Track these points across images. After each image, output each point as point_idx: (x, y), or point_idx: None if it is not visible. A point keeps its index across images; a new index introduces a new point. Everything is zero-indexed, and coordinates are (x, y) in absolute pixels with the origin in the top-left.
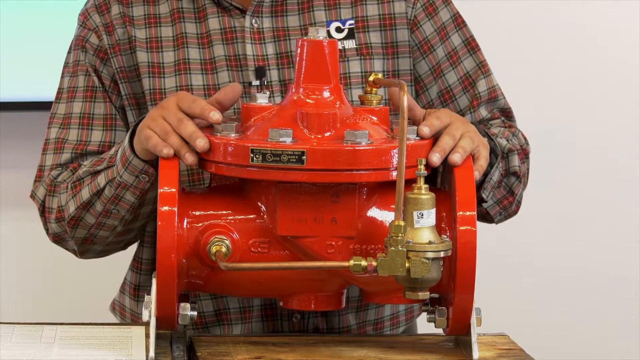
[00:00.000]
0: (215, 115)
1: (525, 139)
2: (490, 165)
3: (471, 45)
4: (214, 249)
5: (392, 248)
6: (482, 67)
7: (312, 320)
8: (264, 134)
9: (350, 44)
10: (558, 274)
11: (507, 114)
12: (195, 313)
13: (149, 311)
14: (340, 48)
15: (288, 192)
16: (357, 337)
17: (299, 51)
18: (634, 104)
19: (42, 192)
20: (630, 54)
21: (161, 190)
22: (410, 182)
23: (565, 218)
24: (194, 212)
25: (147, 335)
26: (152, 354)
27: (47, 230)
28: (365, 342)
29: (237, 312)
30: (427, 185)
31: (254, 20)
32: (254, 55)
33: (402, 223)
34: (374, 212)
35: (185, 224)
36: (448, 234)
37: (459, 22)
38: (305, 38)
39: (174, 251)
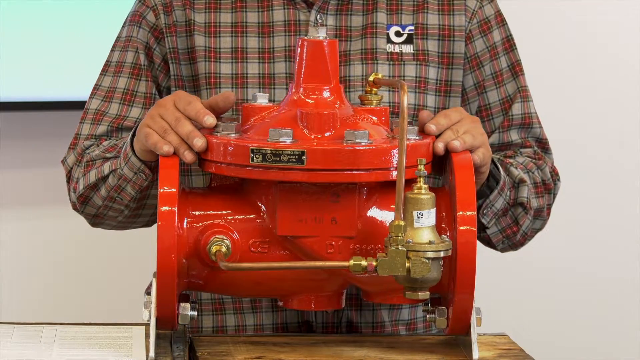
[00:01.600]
0: (209, 120)
1: (555, 174)
2: (490, 189)
3: (516, 70)
4: (214, 249)
5: (392, 248)
6: (522, 92)
7: (346, 313)
8: (264, 134)
9: (407, 48)
10: (558, 274)
11: (542, 145)
12: (195, 313)
13: (149, 311)
14: (398, 52)
15: (288, 192)
16: (357, 337)
17: (299, 51)
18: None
19: (72, 160)
20: (630, 54)
21: (161, 190)
22: (410, 182)
23: (566, 218)
24: (194, 212)
25: (147, 335)
26: (152, 354)
27: (69, 196)
28: (365, 342)
29: (269, 300)
30: (427, 185)
31: (319, 16)
32: None
33: (402, 223)
34: (374, 212)
35: (185, 224)
36: (448, 234)
37: (509, 44)
38: (305, 38)
39: (174, 251)
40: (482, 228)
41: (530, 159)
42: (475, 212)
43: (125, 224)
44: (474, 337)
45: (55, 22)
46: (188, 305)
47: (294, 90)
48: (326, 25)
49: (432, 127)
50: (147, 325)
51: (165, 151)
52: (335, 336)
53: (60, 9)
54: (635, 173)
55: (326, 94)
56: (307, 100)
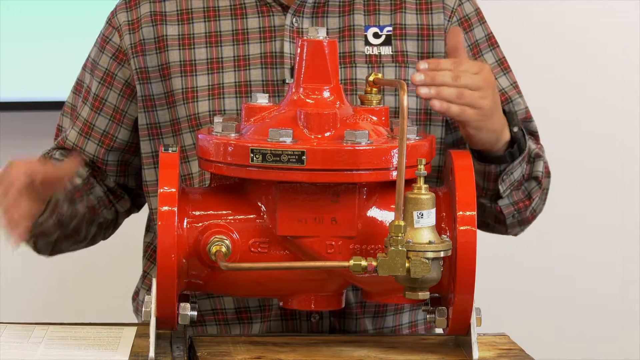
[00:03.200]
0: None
1: (546, 170)
2: (512, 158)
3: (504, 66)
4: (214, 249)
5: (392, 248)
6: (516, 87)
7: (330, 320)
8: (264, 134)
9: (386, 50)
10: (558, 274)
11: (535, 139)
12: (195, 313)
13: (149, 311)
14: (376, 54)
15: (288, 192)
16: (357, 337)
17: (299, 51)
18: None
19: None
20: (630, 54)
21: (161, 190)
22: (410, 182)
23: (566, 219)
24: (194, 212)
25: (143, 336)
26: (152, 354)
27: None
28: (365, 342)
29: (257, 311)
30: (427, 185)
31: (294, 19)
32: (291, 54)
33: (402, 223)
34: (374, 212)
35: (185, 224)
36: (448, 234)
37: (492, 41)
38: (305, 38)
39: (174, 251)
40: (496, 197)
41: (535, 145)
42: (475, 212)
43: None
44: (474, 337)
45: (55, 22)
46: (188, 305)
47: (294, 90)
48: (302, 28)
49: (421, 65)
50: (138, 325)
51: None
52: (335, 336)
53: (60, 9)
54: (637, 173)
55: (326, 94)
56: (307, 100)
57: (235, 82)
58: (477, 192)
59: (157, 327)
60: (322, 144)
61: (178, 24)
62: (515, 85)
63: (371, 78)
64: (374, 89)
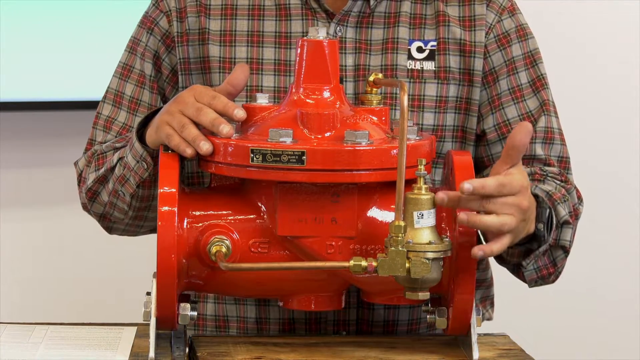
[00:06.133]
0: (240, 113)
1: (579, 197)
2: (542, 236)
3: (537, 85)
4: (214, 249)
5: (392, 248)
6: (545, 106)
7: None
8: (264, 134)
9: (429, 65)
10: None
11: (564, 164)
12: (195, 313)
13: (149, 311)
14: (419, 68)
15: (288, 192)
16: (357, 337)
17: (299, 51)
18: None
19: (82, 163)
20: (630, 54)
21: (161, 190)
22: (410, 182)
23: None
24: (194, 212)
25: (143, 336)
26: (152, 354)
27: (80, 198)
28: (365, 342)
29: (277, 323)
30: (427, 186)
31: (338, 29)
32: None
33: (402, 223)
34: (374, 212)
35: (185, 224)
36: (448, 234)
37: (532, 59)
38: (305, 38)
39: (174, 251)
40: (518, 267)
41: (559, 184)
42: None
43: (133, 227)
44: (474, 337)
45: (55, 23)
46: (188, 305)
47: (294, 90)
48: (345, 38)
49: (465, 186)
50: (139, 326)
51: (189, 154)
52: (335, 336)
53: (60, 9)
54: (637, 173)
55: (326, 94)
56: (307, 100)
57: (274, 86)
58: (497, 259)
59: (157, 327)
60: (322, 144)
61: (221, 19)
62: (544, 103)
63: (371, 78)
64: (374, 89)
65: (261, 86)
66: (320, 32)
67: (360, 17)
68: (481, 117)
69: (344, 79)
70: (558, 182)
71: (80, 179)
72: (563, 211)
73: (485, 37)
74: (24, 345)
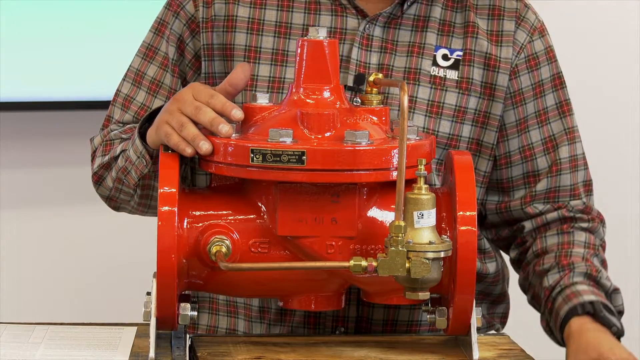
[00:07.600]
0: (237, 114)
1: (601, 221)
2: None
3: (563, 109)
4: (214, 249)
5: (392, 248)
6: (568, 133)
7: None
8: (264, 134)
9: (452, 74)
10: None
11: (587, 188)
12: (195, 313)
13: (149, 311)
14: (442, 76)
15: (288, 192)
16: (357, 337)
17: (299, 51)
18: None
19: (98, 140)
20: (630, 54)
21: (161, 191)
22: (410, 182)
23: None
24: (194, 212)
25: (143, 336)
26: (152, 354)
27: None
28: (365, 342)
29: (277, 313)
30: (427, 186)
31: (367, 26)
32: (357, 60)
33: (402, 223)
34: (374, 212)
35: (185, 224)
36: (448, 234)
37: (557, 82)
38: (305, 38)
39: (174, 251)
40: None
41: (587, 227)
42: (475, 212)
43: (139, 210)
44: (474, 337)
45: (55, 23)
46: (188, 305)
47: (294, 90)
48: (372, 36)
49: None
50: (139, 326)
51: (189, 153)
52: (335, 336)
53: (60, 9)
54: (637, 173)
55: (326, 94)
56: (307, 100)
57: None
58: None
59: (157, 327)
60: (322, 144)
61: (250, 7)
62: (569, 130)
63: (371, 78)
64: (374, 89)
65: (284, 78)
66: (320, 32)
67: (390, 17)
68: (506, 137)
69: (367, 77)
70: (585, 224)
71: (94, 156)
72: (607, 282)
73: (516, 56)
74: (24, 345)
